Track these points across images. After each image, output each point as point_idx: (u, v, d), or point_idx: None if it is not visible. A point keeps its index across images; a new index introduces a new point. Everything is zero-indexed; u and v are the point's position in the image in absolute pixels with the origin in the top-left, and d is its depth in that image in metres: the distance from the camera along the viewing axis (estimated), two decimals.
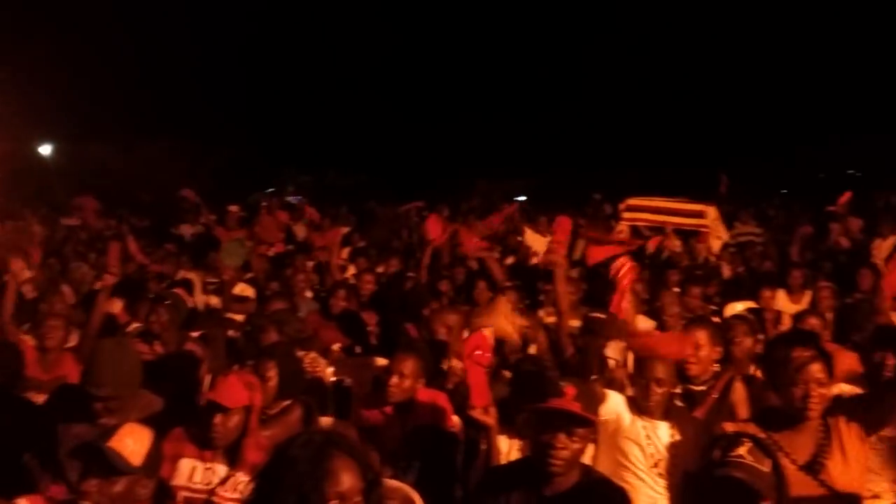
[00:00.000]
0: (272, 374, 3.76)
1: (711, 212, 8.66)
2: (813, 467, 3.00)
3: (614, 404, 3.65)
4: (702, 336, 4.19)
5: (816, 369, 3.04)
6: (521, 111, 21.51)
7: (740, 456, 2.18)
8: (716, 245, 8.60)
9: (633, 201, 8.95)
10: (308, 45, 21.04)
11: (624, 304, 4.45)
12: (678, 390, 4.13)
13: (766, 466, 2.16)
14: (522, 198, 16.61)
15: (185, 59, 19.50)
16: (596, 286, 6.28)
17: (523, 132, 21.18)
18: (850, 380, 4.11)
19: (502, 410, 3.67)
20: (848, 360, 4.29)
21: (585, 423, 2.75)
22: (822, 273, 7.69)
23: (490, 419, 3.55)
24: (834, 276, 7.65)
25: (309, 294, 7.28)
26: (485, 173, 19.37)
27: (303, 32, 21.00)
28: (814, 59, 18.45)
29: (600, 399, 3.53)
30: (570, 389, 2.80)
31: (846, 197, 9.02)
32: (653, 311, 6.03)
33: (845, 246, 8.94)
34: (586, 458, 3.68)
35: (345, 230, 9.98)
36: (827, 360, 3.07)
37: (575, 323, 5.31)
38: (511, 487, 2.90)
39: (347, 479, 1.91)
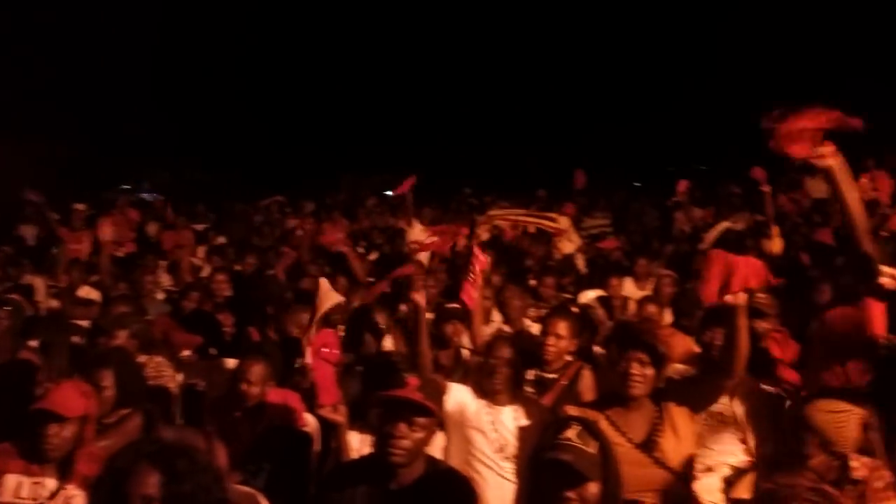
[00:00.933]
0: (107, 382, 3.60)
1: (564, 221, 9.19)
2: (647, 445, 3.16)
3: (458, 395, 3.72)
4: (562, 326, 4.33)
5: (640, 351, 3.19)
6: (385, 104, 21.43)
7: (568, 439, 2.25)
8: (566, 248, 9.02)
9: (493, 212, 9.33)
10: (165, 38, 20.12)
11: (473, 293, 4.53)
12: (530, 376, 4.28)
13: (592, 448, 2.23)
14: (389, 192, 16.56)
15: (29, 50, 18.22)
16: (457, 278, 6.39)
17: (388, 126, 21.13)
18: (687, 361, 4.33)
19: (356, 406, 3.67)
20: (683, 343, 4.56)
21: (426, 413, 2.77)
22: (664, 260, 8.11)
23: (339, 416, 3.53)
24: (675, 263, 8.11)
25: (161, 296, 7.01)
26: (350, 168, 19.23)
27: (155, 26, 20.05)
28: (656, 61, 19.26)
29: (443, 391, 3.59)
30: (412, 380, 2.83)
31: (684, 185, 9.59)
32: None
33: (688, 233, 9.50)
34: (437, 451, 3.77)
35: (200, 228, 9.67)
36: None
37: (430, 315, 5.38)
38: (357, 483, 2.88)
39: (148, 486, 1.87)
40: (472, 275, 4.48)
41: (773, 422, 3.80)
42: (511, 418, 3.77)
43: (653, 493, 3.09)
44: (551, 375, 4.29)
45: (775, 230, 7.91)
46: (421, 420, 2.78)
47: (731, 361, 3.21)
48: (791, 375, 4.13)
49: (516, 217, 8.94)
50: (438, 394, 3.11)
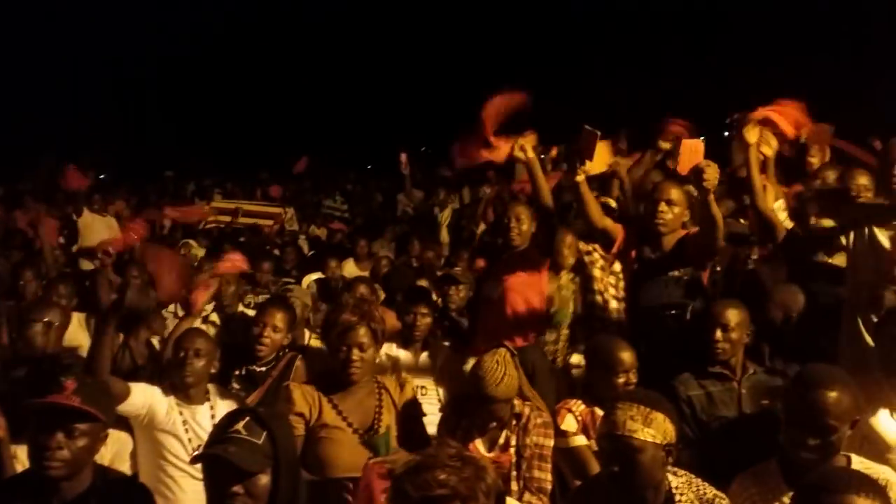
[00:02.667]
0: None
1: (289, 212, 9.33)
2: (368, 431, 3.07)
3: (143, 395, 3.35)
4: (279, 318, 4.05)
5: (360, 333, 3.11)
6: (94, 87, 19.68)
7: (237, 431, 2.10)
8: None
9: (216, 204, 9.11)
10: None
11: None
12: (240, 372, 4.01)
13: (260, 438, 2.09)
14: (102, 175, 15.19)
15: None
16: None
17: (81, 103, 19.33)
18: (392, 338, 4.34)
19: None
20: (391, 320, 4.58)
21: (86, 418, 2.43)
22: (386, 240, 8.23)
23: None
24: (400, 243, 8.26)
25: None
26: (52, 150, 17.32)
27: None
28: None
29: (121, 391, 3.22)
30: (69, 383, 2.45)
31: (405, 157, 9.59)
32: None
33: (410, 214, 9.72)
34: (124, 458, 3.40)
35: None
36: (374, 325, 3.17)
37: None
38: (15, 501, 2.48)
39: None
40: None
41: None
42: (208, 417, 3.46)
43: None
44: (262, 370, 4.03)
45: None
46: (81, 427, 2.42)
47: None
48: None
49: (235, 219, 8.87)
50: (107, 395, 2.74)
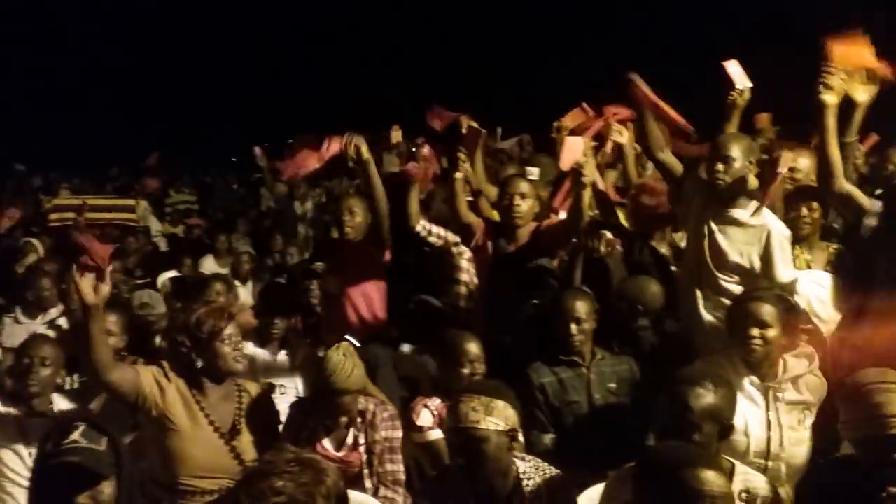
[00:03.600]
0: None
1: (142, 205, 8.86)
2: (231, 433, 2.98)
3: None
4: (111, 322, 3.84)
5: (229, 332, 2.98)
6: None
7: (74, 441, 2.00)
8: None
9: (59, 201, 8.52)
10: None
11: None
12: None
13: (101, 445, 2.01)
14: None
15: None
16: None
17: None
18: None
19: None
20: (247, 318, 4.48)
21: None
22: (240, 234, 8.04)
23: None
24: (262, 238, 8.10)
25: None
26: None
27: None
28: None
29: None
30: None
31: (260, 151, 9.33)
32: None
33: (273, 208, 9.51)
34: None
35: None
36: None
37: None
38: None
39: None
40: None
41: None
42: None
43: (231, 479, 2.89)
44: None
45: None
46: None
47: None
48: None
49: (83, 215, 8.37)
50: None
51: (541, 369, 3.57)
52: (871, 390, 2.37)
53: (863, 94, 3.62)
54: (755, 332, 3.02)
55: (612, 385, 3.54)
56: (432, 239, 4.64)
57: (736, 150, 3.62)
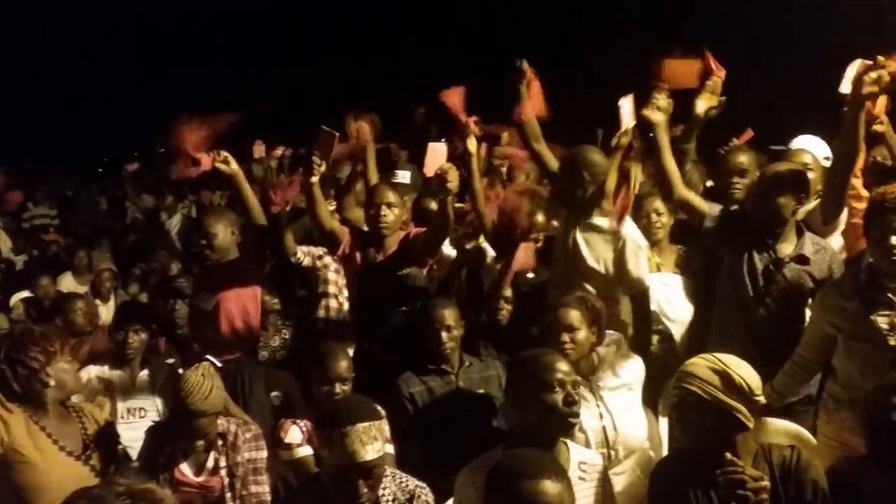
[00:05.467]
0: None
1: None
2: (85, 455, 2.84)
3: None
4: None
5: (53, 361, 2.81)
6: None
7: None
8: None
9: None
10: None
11: None
12: None
13: None
14: None
15: None
16: None
17: None
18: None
19: None
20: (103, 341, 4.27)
21: None
22: (105, 251, 7.65)
23: None
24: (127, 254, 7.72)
25: None
26: None
27: None
28: None
29: None
30: None
31: (133, 166, 8.91)
32: None
33: (141, 221, 9.06)
34: None
35: None
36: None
37: None
38: None
39: None
40: None
41: None
42: None
43: None
44: None
45: None
46: None
47: None
48: None
49: None
50: None
51: (410, 379, 3.56)
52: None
53: (701, 106, 3.83)
54: (565, 337, 3.13)
55: (481, 391, 3.57)
56: (307, 261, 4.58)
57: (591, 168, 3.76)
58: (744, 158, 3.98)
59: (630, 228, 3.79)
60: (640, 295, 3.78)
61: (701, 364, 2.45)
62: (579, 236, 3.77)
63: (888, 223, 2.97)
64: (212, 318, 4.05)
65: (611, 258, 3.74)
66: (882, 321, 3.02)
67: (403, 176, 6.00)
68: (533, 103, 4.05)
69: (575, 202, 3.81)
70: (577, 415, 2.58)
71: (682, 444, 2.68)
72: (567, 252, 3.81)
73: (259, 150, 6.70)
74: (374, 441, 2.32)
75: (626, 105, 4.28)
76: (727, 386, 2.37)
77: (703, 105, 3.85)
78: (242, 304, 4.09)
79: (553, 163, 4.06)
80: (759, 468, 2.35)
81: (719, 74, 3.79)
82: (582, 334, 3.16)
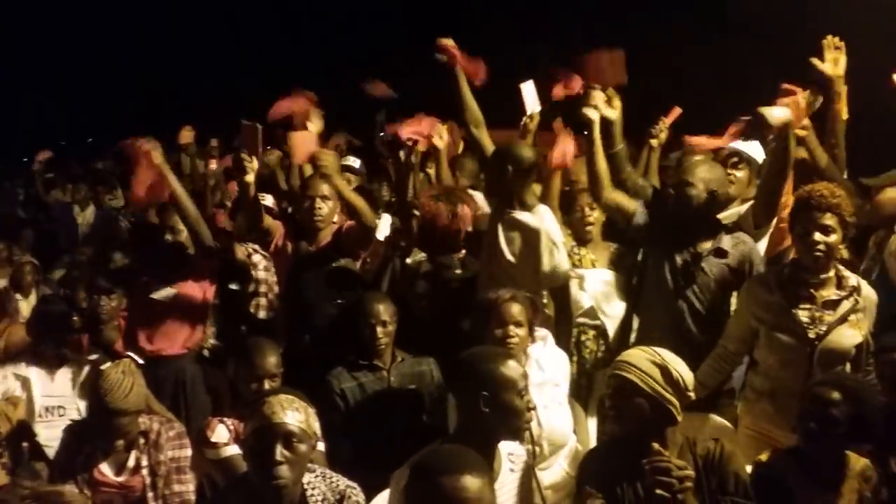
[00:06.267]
0: None
1: None
2: None
3: None
4: None
5: None
6: None
7: None
8: None
9: None
10: None
11: None
12: None
13: None
14: None
15: None
16: None
17: None
18: None
19: None
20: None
21: None
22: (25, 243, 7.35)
23: None
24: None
25: None
26: None
27: None
28: None
29: None
30: None
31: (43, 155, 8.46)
32: None
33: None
34: None
35: None
36: None
37: None
38: None
39: None
40: None
41: None
42: None
43: None
44: None
45: None
46: None
47: None
48: None
49: None
50: None
51: (341, 375, 3.52)
52: None
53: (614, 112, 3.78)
54: (511, 331, 3.13)
55: (413, 387, 3.55)
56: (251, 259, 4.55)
57: (516, 162, 3.71)
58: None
59: (548, 223, 3.74)
60: (558, 290, 3.79)
61: (641, 356, 2.49)
62: (500, 229, 3.75)
63: (813, 219, 3.07)
64: (166, 312, 3.98)
65: (526, 252, 3.70)
66: (803, 314, 3.13)
67: (354, 160, 5.95)
68: (468, 70, 4.01)
69: (501, 194, 3.79)
70: (531, 419, 2.56)
71: (611, 436, 2.70)
72: (490, 245, 3.79)
73: (187, 135, 6.45)
74: (295, 411, 2.27)
75: (527, 89, 4.31)
76: (666, 380, 2.42)
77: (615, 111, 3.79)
78: (199, 299, 4.05)
79: (490, 146, 4.04)
80: (684, 460, 2.39)
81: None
82: (524, 330, 3.16)
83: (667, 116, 4.87)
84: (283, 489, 2.20)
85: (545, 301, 3.79)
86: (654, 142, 4.82)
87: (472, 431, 2.48)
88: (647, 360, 2.45)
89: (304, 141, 4.00)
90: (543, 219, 3.72)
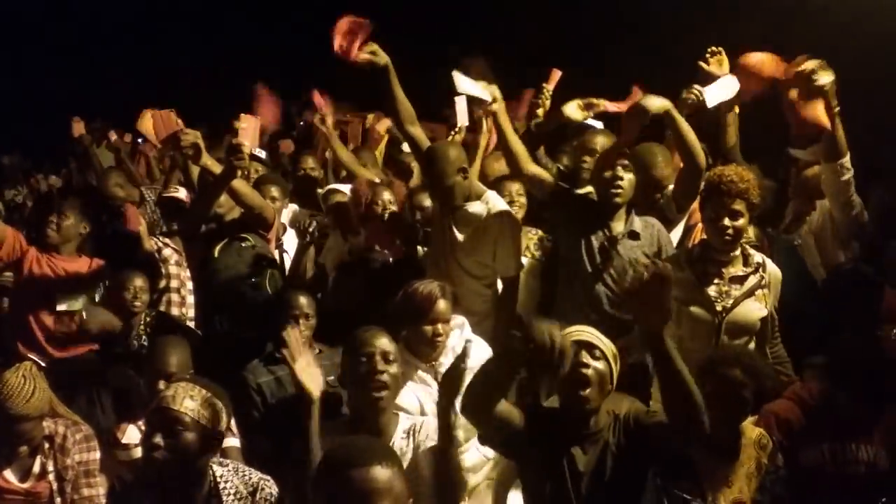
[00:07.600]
0: None
1: None
2: None
3: None
4: None
5: None
6: None
7: None
8: None
9: None
10: None
11: None
12: None
13: None
14: None
15: None
16: None
17: None
18: None
19: None
20: None
21: None
22: None
23: None
24: None
25: None
26: None
27: None
28: None
29: None
30: None
31: None
32: None
33: None
34: None
35: None
36: None
37: None
38: None
39: None
40: None
41: None
42: None
43: None
44: None
45: None
46: None
47: None
48: None
49: None
50: None
51: (257, 369, 3.44)
52: None
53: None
54: (440, 328, 3.11)
55: (331, 379, 3.49)
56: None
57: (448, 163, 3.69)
58: (598, 139, 4.02)
59: (500, 205, 3.75)
60: (509, 280, 3.77)
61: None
62: (453, 223, 3.71)
63: (723, 204, 3.19)
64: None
65: (488, 240, 3.68)
66: (711, 289, 3.27)
67: (260, 151, 5.85)
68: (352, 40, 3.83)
69: (442, 193, 3.75)
70: (382, 387, 2.55)
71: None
72: (442, 239, 3.77)
73: (78, 127, 6.35)
74: (190, 398, 2.23)
75: (461, 103, 4.49)
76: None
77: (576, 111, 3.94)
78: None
79: (425, 143, 3.95)
80: (614, 431, 2.49)
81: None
82: (449, 326, 3.16)
83: (547, 82, 4.64)
84: (158, 473, 2.20)
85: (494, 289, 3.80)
86: (539, 111, 4.50)
87: (352, 414, 2.64)
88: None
89: (252, 126, 3.91)
90: (496, 204, 3.72)
